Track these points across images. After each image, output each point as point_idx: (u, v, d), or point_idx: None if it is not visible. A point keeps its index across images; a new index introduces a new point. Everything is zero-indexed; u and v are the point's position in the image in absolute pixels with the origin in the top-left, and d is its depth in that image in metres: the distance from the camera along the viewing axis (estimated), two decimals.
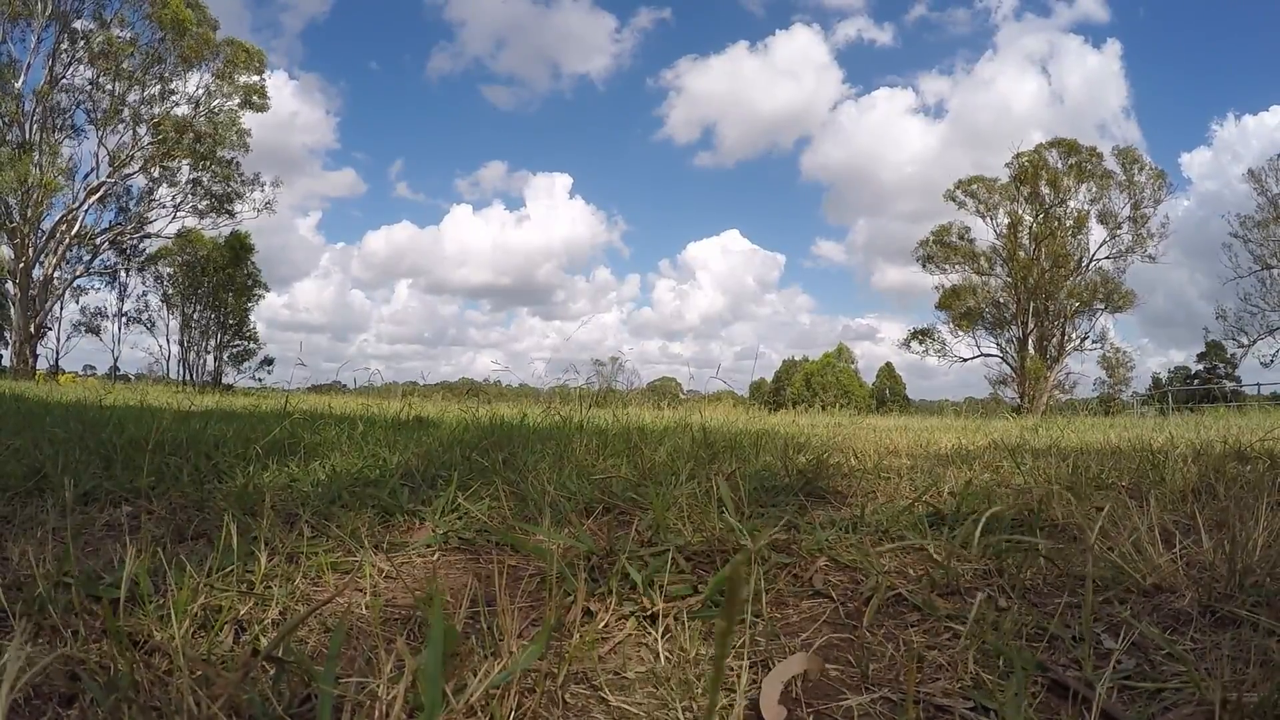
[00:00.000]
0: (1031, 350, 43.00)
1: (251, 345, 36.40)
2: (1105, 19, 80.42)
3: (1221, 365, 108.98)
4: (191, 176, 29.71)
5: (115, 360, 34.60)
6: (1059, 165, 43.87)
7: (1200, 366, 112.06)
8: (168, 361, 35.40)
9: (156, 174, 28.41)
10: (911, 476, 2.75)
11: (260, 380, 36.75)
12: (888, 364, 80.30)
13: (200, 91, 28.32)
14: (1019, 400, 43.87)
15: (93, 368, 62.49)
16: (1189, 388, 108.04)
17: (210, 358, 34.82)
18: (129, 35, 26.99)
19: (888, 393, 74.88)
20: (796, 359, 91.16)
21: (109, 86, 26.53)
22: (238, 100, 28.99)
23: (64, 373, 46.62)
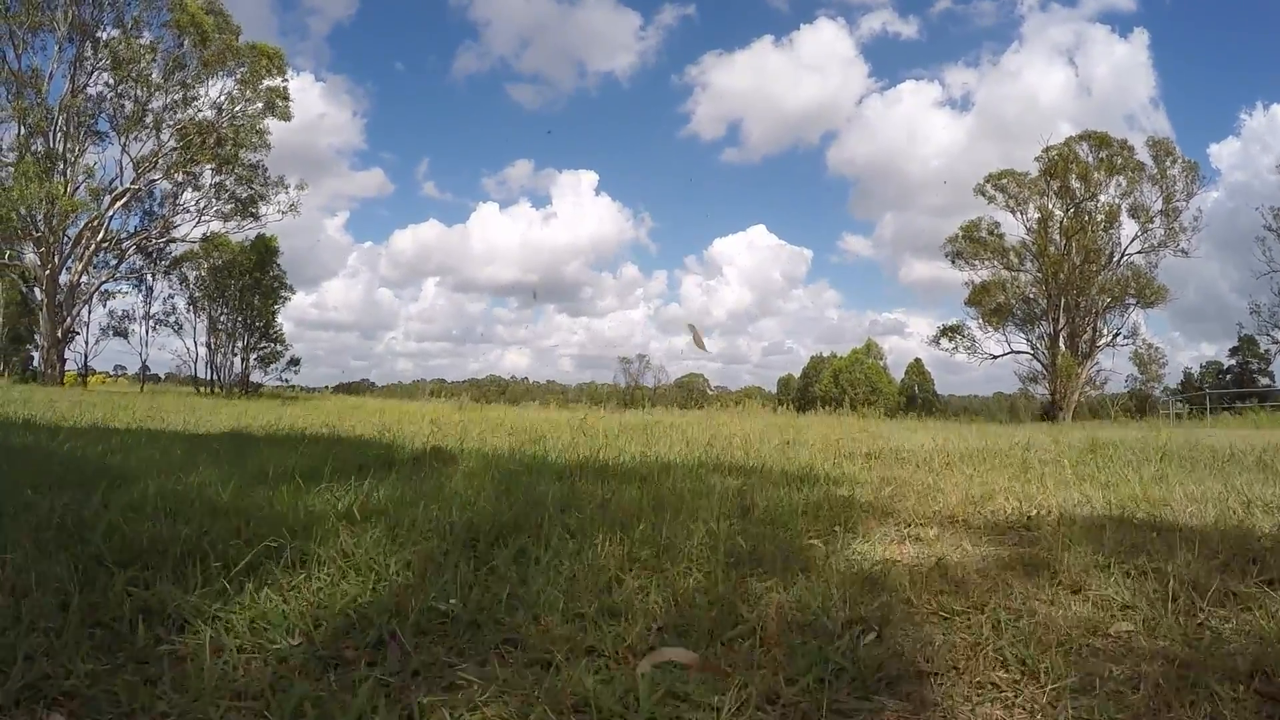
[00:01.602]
0: (1062, 347, 41.94)
1: (279, 347, 36.61)
2: (1132, 8, 78.26)
3: (1255, 361, 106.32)
4: (215, 181, 29.92)
5: (144, 362, 35.00)
6: (1089, 159, 42.73)
7: (1233, 362, 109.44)
8: (195, 364, 35.78)
9: (180, 179, 28.59)
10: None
11: (287, 380, 37.02)
12: (916, 360, 79.18)
13: (223, 98, 28.49)
14: (1050, 397, 42.91)
15: (123, 368, 63.46)
16: (1221, 388, 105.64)
17: (238, 359, 35.09)
18: (149, 40, 27.11)
19: (916, 389, 73.74)
20: (825, 355, 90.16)
21: (132, 94, 26.70)
22: (260, 104, 29.06)
23: (94, 373, 47.31)
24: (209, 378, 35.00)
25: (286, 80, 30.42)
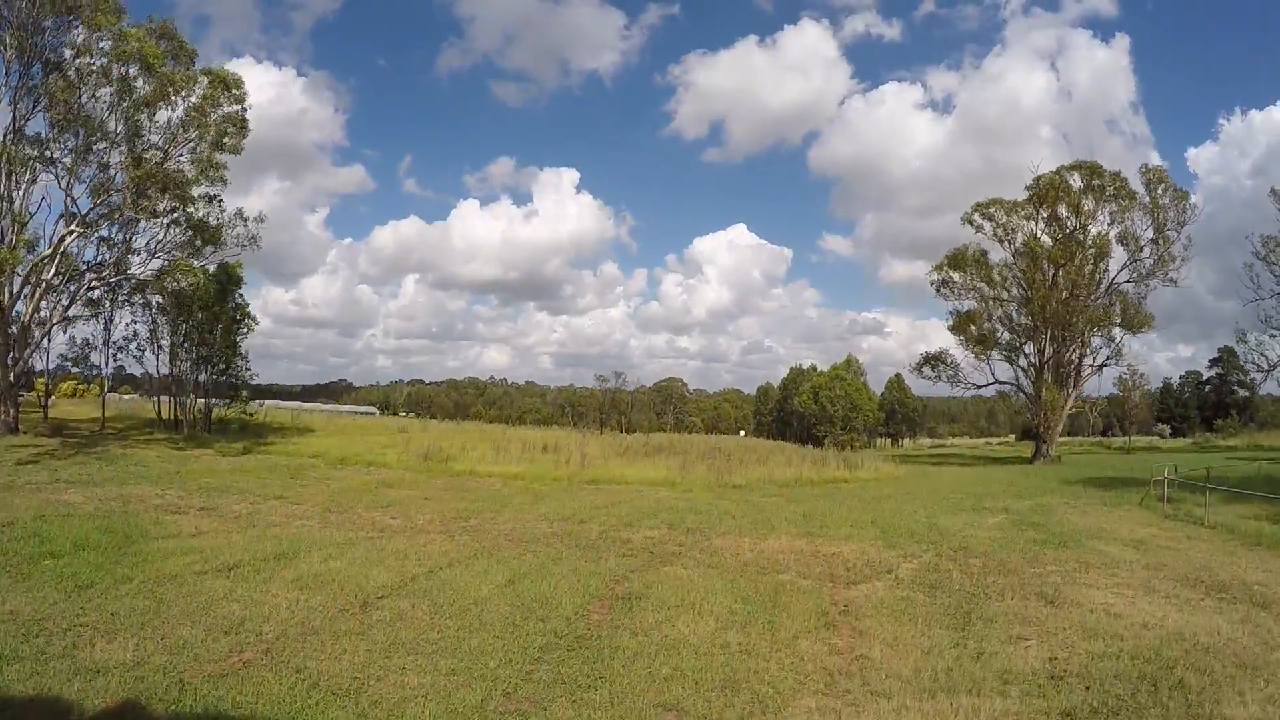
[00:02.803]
0: (1047, 378, 41.51)
1: (243, 374, 35.26)
2: (1114, 13, 77.96)
3: (1235, 372, 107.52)
4: (169, 220, 28.26)
5: (103, 392, 33.47)
6: (1079, 186, 42.13)
7: (1213, 373, 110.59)
8: (158, 403, 34.37)
9: (132, 214, 26.91)
10: None
11: (250, 414, 35.61)
12: (897, 375, 78.66)
13: (171, 132, 26.75)
14: (1035, 430, 42.57)
15: (96, 368, 60.25)
16: (1201, 399, 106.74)
17: (200, 391, 33.65)
18: (98, 65, 25.27)
19: (896, 405, 73.26)
20: (805, 366, 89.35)
21: (77, 129, 24.99)
22: (210, 139, 27.38)
23: (64, 381, 45.27)
24: (172, 414, 33.63)
25: (246, 108, 28.69)
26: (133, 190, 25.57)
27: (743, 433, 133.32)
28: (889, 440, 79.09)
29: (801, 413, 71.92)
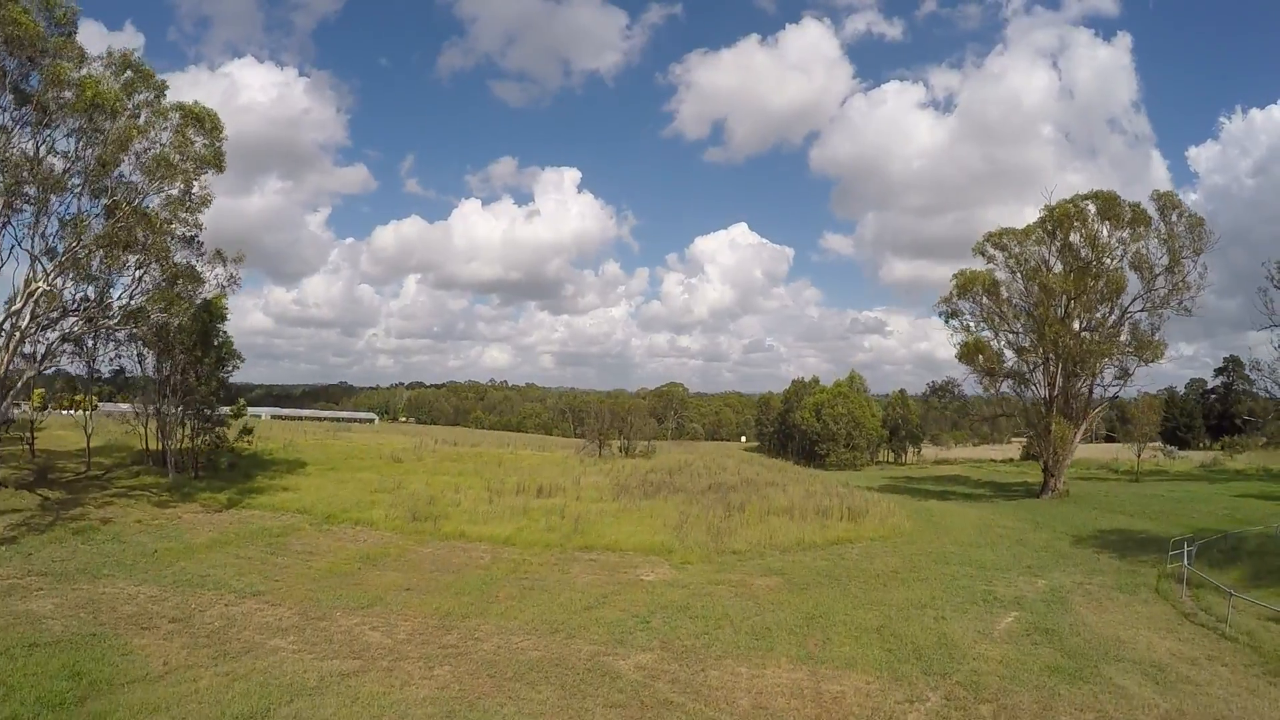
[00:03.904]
0: (1057, 411, 40.57)
1: (229, 416, 34.36)
2: (1115, 12, 76.56)
3: (1241, 381, 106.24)
4: (141, 272, 26.91)
5: (88, 432, 32.66)
6: (1091, 212, 40.98)
7: (1218, 381, 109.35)
8: (145, 435, 33.55)
9: (103, 260, 25.58)
10: None
11: (238, 453, 34.85)
12: (900, 391, 77.39)
13: (135, 186, 25.32)
14: (1044, 465, 41.65)
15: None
16: (1207, 409, 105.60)
17: (186, 430, 32.81)
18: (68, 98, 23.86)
19: (900, 423, 72.10)
20: (806, 380, 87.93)
21: (36, 182, 23.62)
22: (179, 187, 25.86)
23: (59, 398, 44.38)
24: (160, 444, 32.85)
25: (222, 139, 26.94)
26: (101, 244, 24.38)
27: (744, 438, 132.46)
28: (892, 454, 78.17)
29: (804, 429, 70.95)
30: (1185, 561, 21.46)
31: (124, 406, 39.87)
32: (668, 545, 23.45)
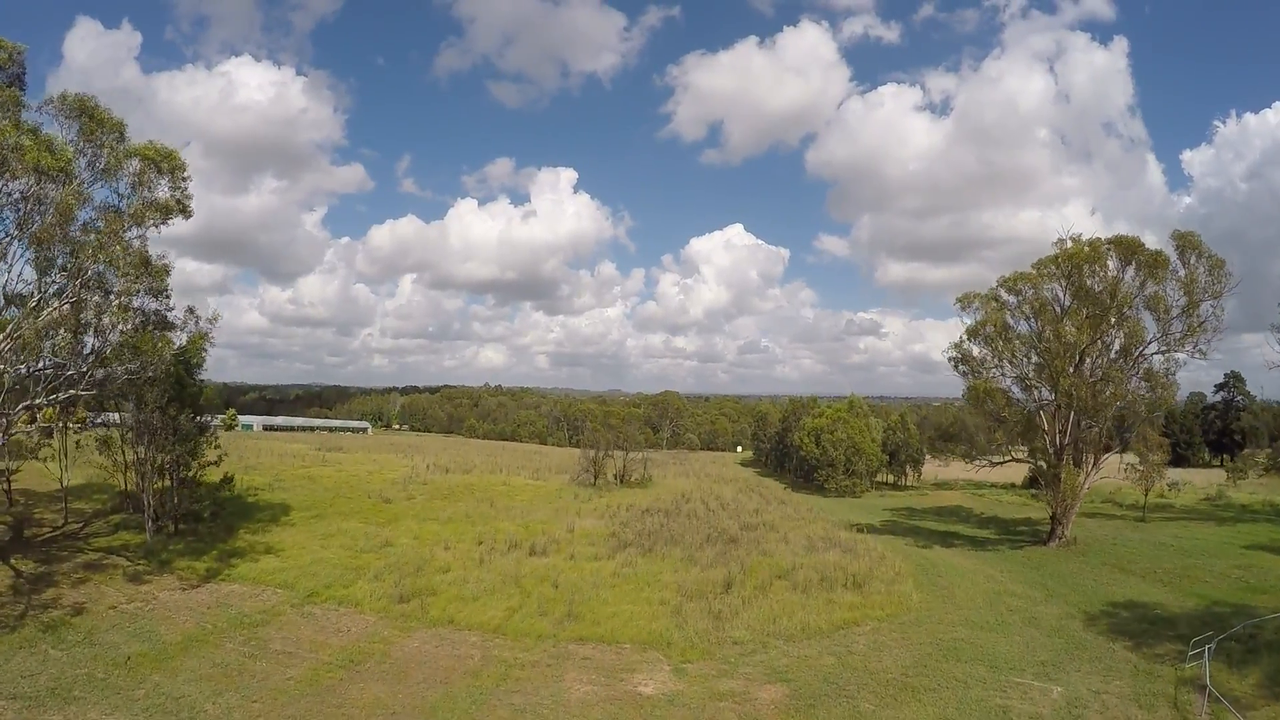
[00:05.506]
0: (1068, 460, 39.51)
1: (209, 462, 32.96)
2: (1112, 16, 75.05)
3: (1242, 398, 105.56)
4: (101, 345, 25.05)
5: (63, 485, 31.39)
6: (1109, 255, 39.75)
7: (1218, 398, 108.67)
8: (125, 480, 32.25)
9: (66, 312, 23.86)
10: None
11: (222, 502, 33.66)
12: (901, 415, 75.87)
13: (80, 267, 23.06)
14: (1051, 514, 40.68)
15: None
16: (1206, 425, 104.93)
17: (165, 487, 31.42)
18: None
19: (900, 447, 70.97)
20: (804, 398, 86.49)
21: None
22: (135, 255, 23.68)
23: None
24: (144, 496, 31.59)
25: (185, 181, 25.02)
26: (50, 329, 22.52)
27: (739, 448, 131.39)
28: (891, 476, 77.22)
29: (802, 454, 69.90)
30: (1205, 663, 20.50)
31: (114, 416, 38.43)
32: (666, 635, 22.37)
